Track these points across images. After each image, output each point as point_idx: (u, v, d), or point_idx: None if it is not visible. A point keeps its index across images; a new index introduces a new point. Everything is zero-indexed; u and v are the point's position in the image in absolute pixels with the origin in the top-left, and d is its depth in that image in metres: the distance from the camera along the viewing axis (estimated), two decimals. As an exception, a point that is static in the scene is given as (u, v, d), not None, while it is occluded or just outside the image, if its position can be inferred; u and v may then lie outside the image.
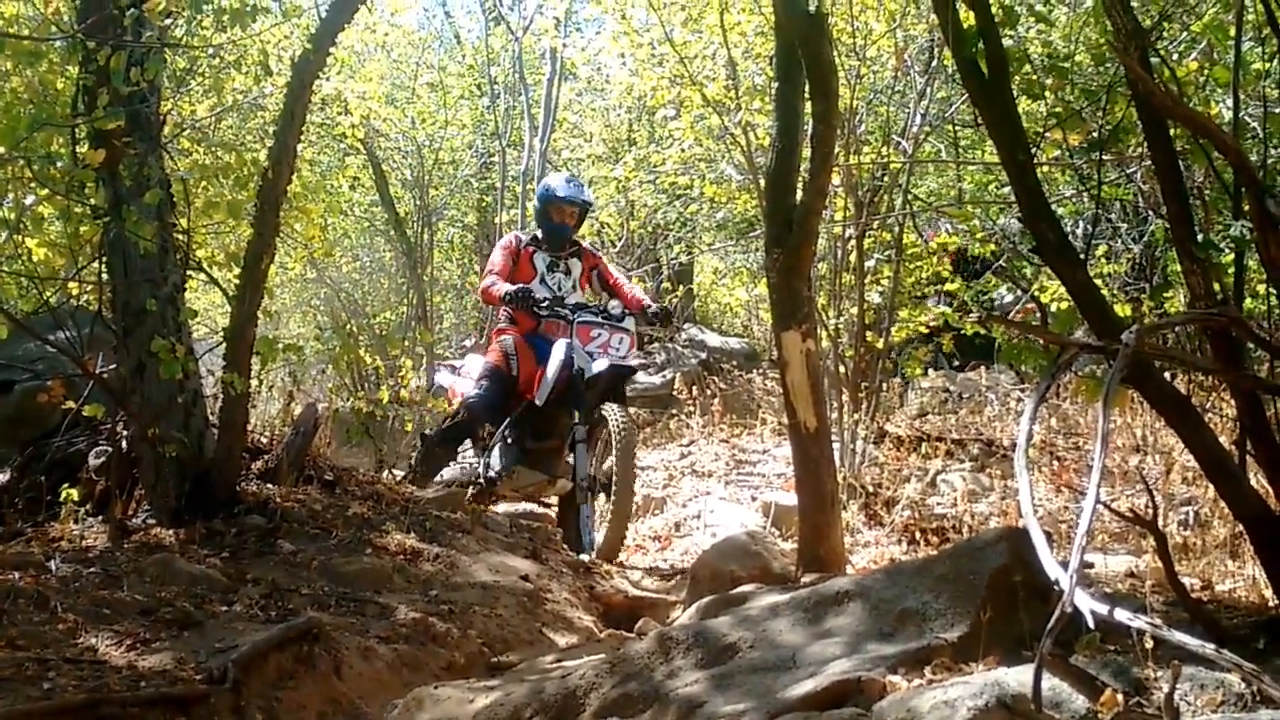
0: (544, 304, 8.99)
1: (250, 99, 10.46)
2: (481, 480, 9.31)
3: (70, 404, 7.67)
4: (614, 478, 8.18)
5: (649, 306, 9.25)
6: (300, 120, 7.33)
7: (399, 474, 9.84)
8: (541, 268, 9.36)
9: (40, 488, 7.47)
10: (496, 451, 9.27)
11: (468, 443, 9.76)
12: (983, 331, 10.54)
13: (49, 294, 8.08)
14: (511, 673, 5.57)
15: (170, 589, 6.08)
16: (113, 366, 7.40)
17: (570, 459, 8.84)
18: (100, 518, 7.31)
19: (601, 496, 8.62)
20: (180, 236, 7.50)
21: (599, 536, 8.33)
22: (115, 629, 5.71)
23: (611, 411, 8.36)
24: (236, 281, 7.28)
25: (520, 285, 8.98)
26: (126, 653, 5.51)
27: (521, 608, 6.67)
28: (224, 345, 7.28)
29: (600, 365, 8.58)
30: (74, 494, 7.29)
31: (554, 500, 9.64)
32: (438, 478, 9.79)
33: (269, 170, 7.34)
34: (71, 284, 8.01)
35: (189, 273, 7.80)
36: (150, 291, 7.10)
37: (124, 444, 7.48)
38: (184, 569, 6.31)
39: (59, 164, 6.92)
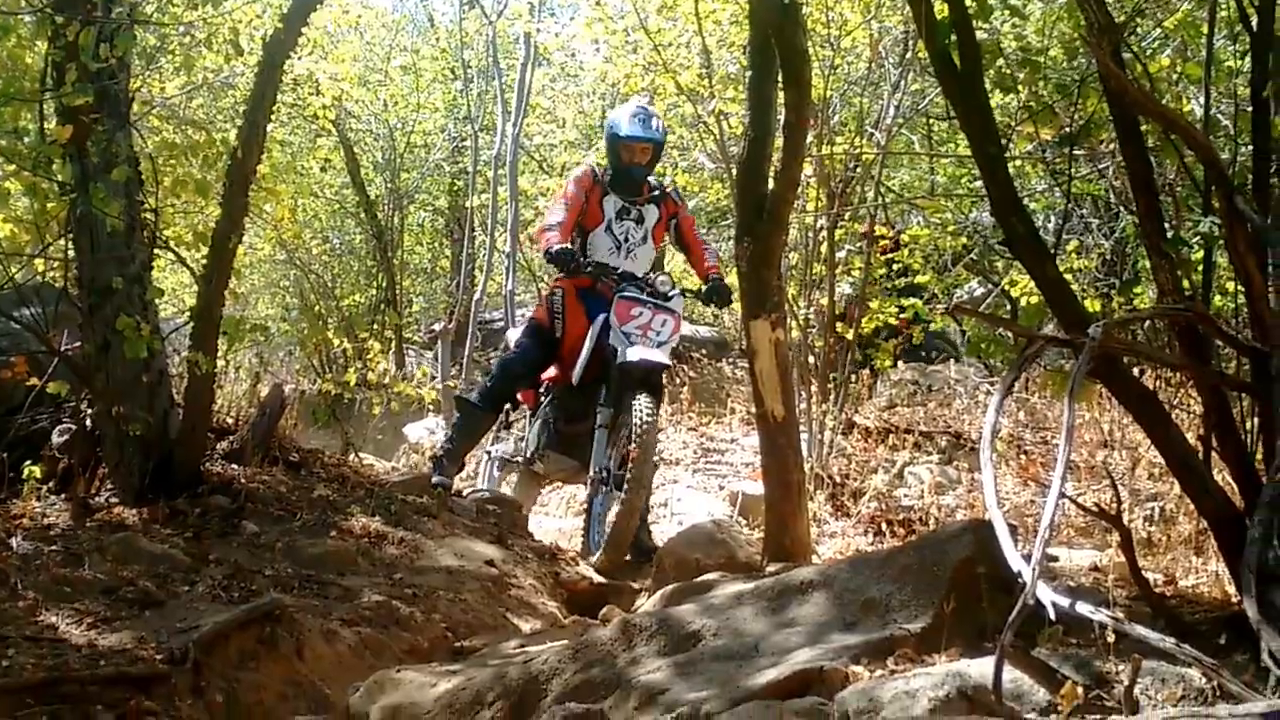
0: (588, 268, 8.23)
1: (221, 78, 10.42)
2: (520, 459, 9.02)
3: (34, 381, 7.65)
4: (628, 473, 7.61)
5: (713, 279, 8.43)
6: (271, 100, 7.29)
7: (367, 457, 9.80)
8: (610, 213, 8.48)
9: (2, 465, 7.42)
10: (535, 429, 8.82)
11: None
12: (952, 324, 10.57)
13: (14, 270, 8.06)
14: (474, 657, 5.57)
15: (132, 568, 6.06)
16: (78, 344, 7.36)
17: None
18: (63, 496, 7.29)
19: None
20: (148, 215, 7.46)
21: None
22: (76, 607, 5.70)
23: (638, 402, 7.71)
24: (204, 261, 7.25)
25: (563, 246, 8.11)
26: (87, 631, 5.50)
27: (486, 593, 6.66)
28: (190, 325, 7.25)
29: (634, 355, 7.79)
30: (36, 471, 7.27)
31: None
32: (491, 450, 9.57)
33: (238, 150, 7.29)
34: (37, 260, 7.97)
35: (156, 251, 7.76)
36: (117, 269, 7.07)
37: (88, 422, 7.45)
38: (146, 548, 6.30)
39: (26, 139, 6.88)
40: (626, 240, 8.45)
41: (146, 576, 5.95)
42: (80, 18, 6.54)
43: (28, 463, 7.38)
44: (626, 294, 8.02)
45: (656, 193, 8.63)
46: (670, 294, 8.10)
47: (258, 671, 5.26)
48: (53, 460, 7.52)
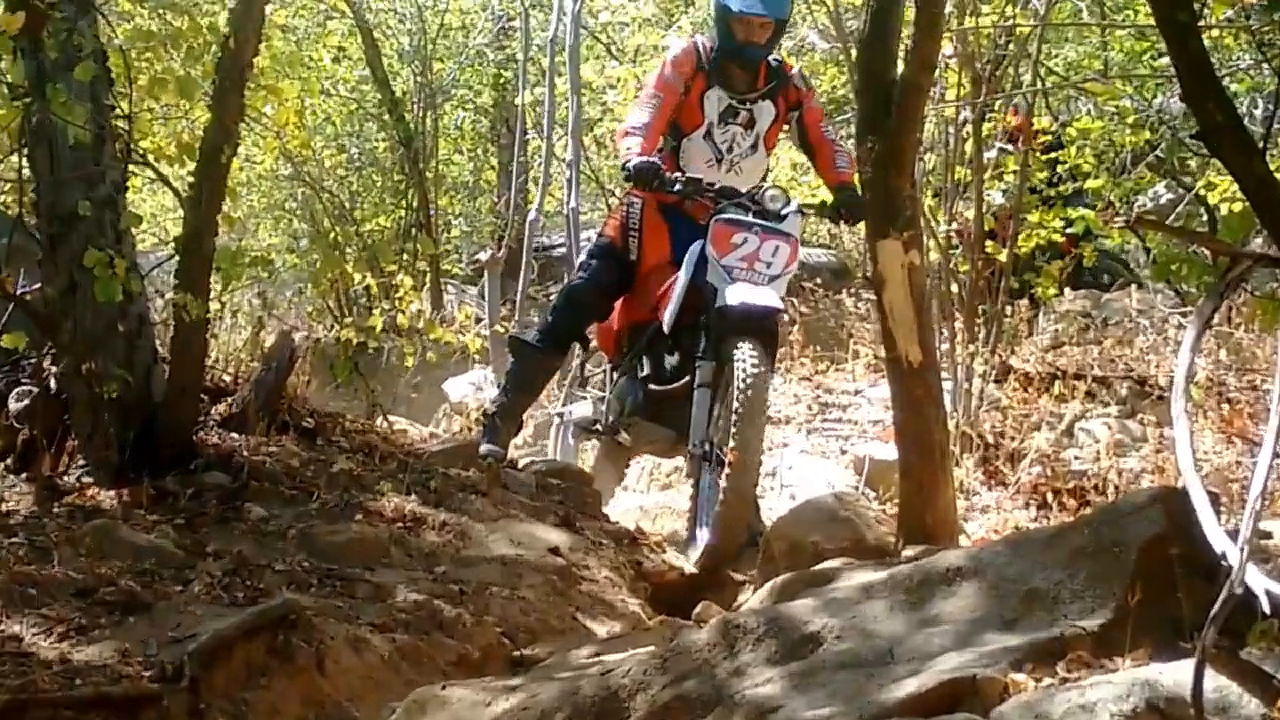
0: (674, 187, 7.71)
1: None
2: (600, 425, 8.83)
3: (-15, 333, 7.74)
4: (730, 443, 7.23)
5: (846, 189, 7.87)
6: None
7: (399, 421, 9.83)
8: (712, 114, 8.03)
9: (-52, 439, 7.56)
10: (619, 387, 8.54)
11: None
12: (1133, 240, 10.51)
13: (-41, 194, 8.15)
14: (538, 669, 5.61)
15: (112, 564, 6.13)
16: (37, 286, 7.44)
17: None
18: (24, 475, 7.39)
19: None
20: (120, 122, 7.52)
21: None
22: (44, 614, 5.78)
23: (741, 352, 7.29)
24: (191, 179, 7.31)
25: (645, 160, 7.63)
26: (59, 643, 5.58)
27: (551, 588, 6.70)
28: (176, 260, 7.30)
29: (736, 296, 7.35)
30: (-10, 444, 7.37)
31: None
32: (565, 413, 9.48)
33: (230, 39, 7.35)
34: (-14, 181, 8.06)
35: (131, 168, 7.83)
36: (83, 191, 7.13)
37: (53, 383, 7.53)
38: (128, 539, 6.37)
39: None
40: (731, 150, 8.04)
41: (129, 574, 6.01)
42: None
43: (-20, 434, 7.49)
44: (726, 215, 7.61)
45: (772, 84, 8.11)
46: (784, 212, 7.69)
47: (269, 690, 5.30)
48: (10, 431, 7.62)
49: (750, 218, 7.58)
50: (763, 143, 8.13)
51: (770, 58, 8.09)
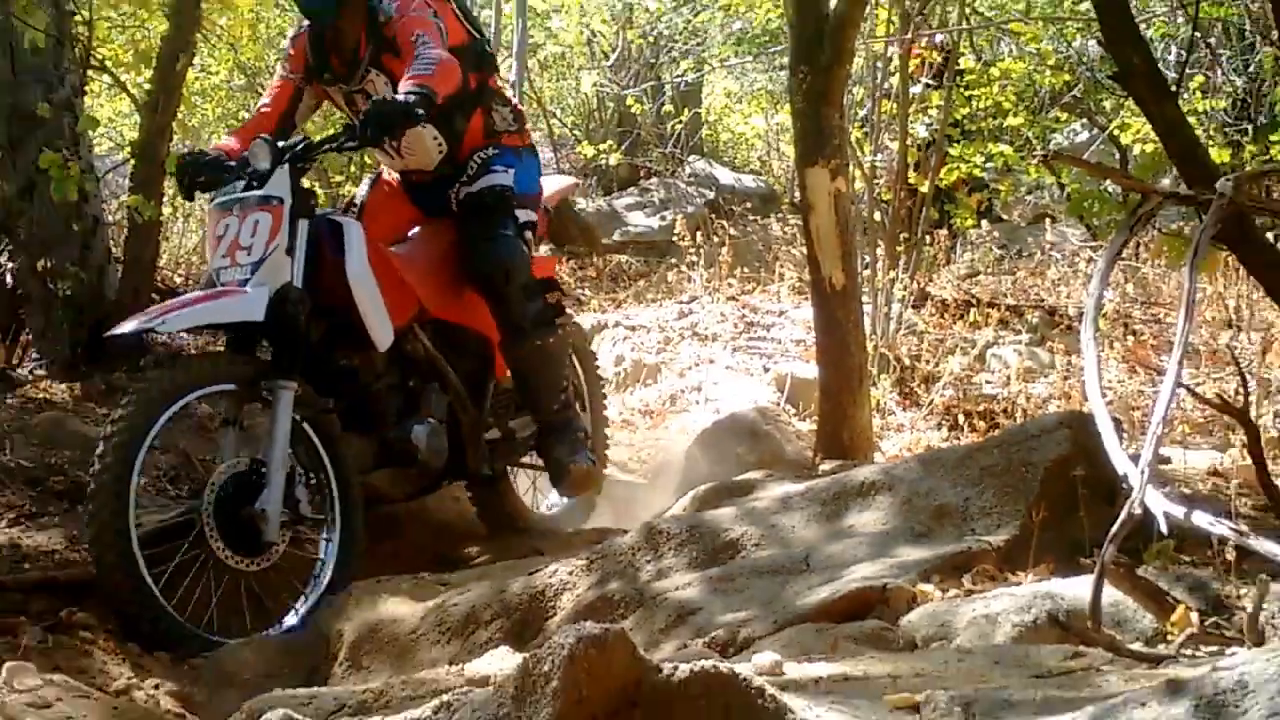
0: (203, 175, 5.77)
1: None
2: None
3: (-58, 231, 7.67)
4: None
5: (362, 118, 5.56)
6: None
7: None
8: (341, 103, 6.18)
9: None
10: None
11: None
12: (1049, 177, 10.53)
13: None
14: (468, 569, 5.60)
15: (62, 454, 6.11)
16: (-4, 186, 7.38)
17: None
18: (-21, 368, 7.34)
19: None
20: (79, 26, 7.45)
21: None
22: (-2, 501, 5.77)
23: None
24: (148, 86, 7.24)
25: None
26: (8, 529, 5.57)
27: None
28: (131, 163, 7.24)
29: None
30: (-54, 339, 7.32)
31: None
32: None
33: (189, -49, 7.29)
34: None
35: (89, 73, 7.75)
36: (42, 94, 7.07)
37: (8, 279, 7.48)
38: (79, 430, 6.35)
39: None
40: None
41: (79, 465, 5.97)
42: None
43: (-65, 328, 7.43)
44: (216, 199, 5.66)
45: (374, 43, 5.92)
46: (266, 168, 5.47)
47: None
48: (-35, 325, 7.57)
49: (240, 191, 5.53)
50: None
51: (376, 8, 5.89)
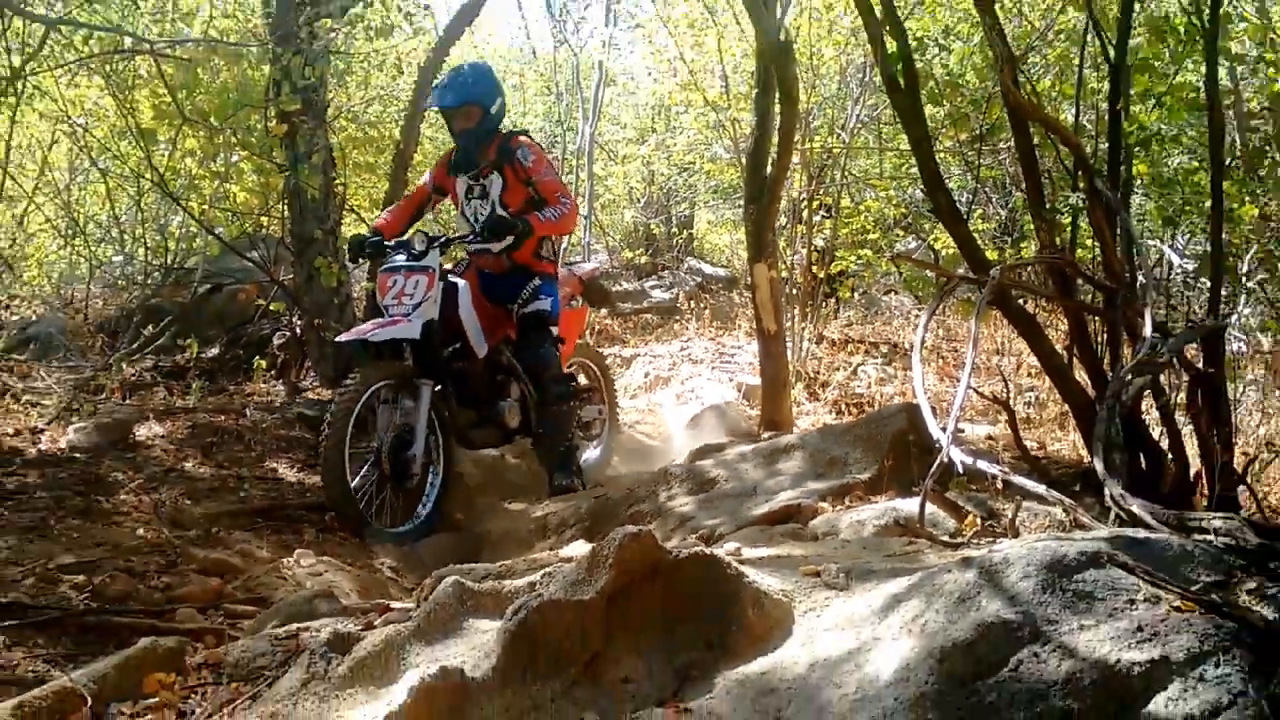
0: (367, 249, 5.59)
1: (388, 91, 10.34)
2: None
3: (261, 302, 7.73)
4: None
5: (496, 219, 5.40)
6: (423, 107, 7.28)
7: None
8: (461, 193, 5.78)
9: (240, 359, 7.52)
10: None
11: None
12: (894, 268, 10.49)
13: (247, 224, 8.11)
14: (563, 497, 5.58)
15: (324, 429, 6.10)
16: (290, 276, 7.42)
17: None
18: (280, 381, 7.37)
19: None
20: (338, 186, 7.48)
21: None
22: (289, 456, 5.78)
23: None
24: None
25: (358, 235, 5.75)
26: (298, 473, 5.58)
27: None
28: (367, 264, 7.26)
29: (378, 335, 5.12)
30: (263, 364, 7.37)
31: None
32: None
33: (400, 142, 7.33)
34: (263, 218, 8.01)
35: (344, 212, 7.78)
36: (316, 225, 7.08)
37: (298, 330, 7.52)
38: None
39: (255, 134, 6.91)
40: (477, 219, 5.68)
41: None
42: (292, 49, 6.55)
43: (256, 358, 7.47)
44: (384, 267, 5.39)
45: (501, 158, 5.63)
46: (421, 249, 5.31)
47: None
48: (273, 356, 7.63)
49: (401, 261, 5.28)
50: (499, 207, 5.61)
51: (503, 130, 5.70)
